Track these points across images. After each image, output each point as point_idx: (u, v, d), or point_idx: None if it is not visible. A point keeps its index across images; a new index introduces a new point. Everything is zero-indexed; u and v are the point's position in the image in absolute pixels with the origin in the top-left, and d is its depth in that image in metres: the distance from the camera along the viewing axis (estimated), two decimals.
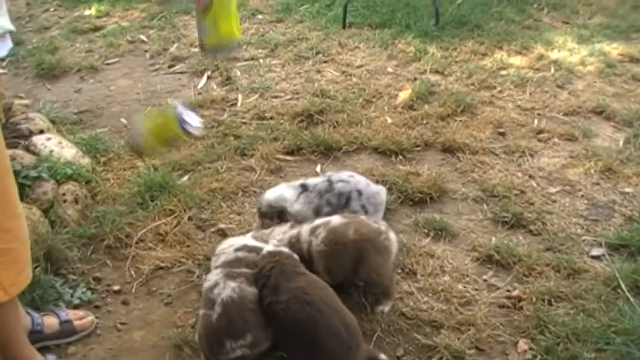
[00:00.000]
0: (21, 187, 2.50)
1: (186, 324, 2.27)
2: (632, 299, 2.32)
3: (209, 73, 4.28)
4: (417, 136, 3.41)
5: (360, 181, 2.64)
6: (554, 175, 3.15)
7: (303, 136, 3.38)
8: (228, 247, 2.31)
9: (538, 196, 2.97)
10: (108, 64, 4.52)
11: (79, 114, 3.79)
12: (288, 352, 2.09)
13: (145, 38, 4.90)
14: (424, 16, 4.98)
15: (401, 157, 3.27)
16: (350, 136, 3.39)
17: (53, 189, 2.76)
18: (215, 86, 4.12)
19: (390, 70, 4.26)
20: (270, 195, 2.61)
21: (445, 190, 2.99)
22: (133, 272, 2.55)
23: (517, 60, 4.41)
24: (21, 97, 3.83)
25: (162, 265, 2.56)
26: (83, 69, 4.38)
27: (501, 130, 3.53)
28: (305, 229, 2.35)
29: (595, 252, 2.62)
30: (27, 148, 3.02)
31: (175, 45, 4.75)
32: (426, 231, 2.74)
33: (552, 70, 4.28)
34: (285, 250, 2.24)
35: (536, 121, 3.64)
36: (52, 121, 3.45)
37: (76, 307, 2.36)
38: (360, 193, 2.59)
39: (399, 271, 2.50)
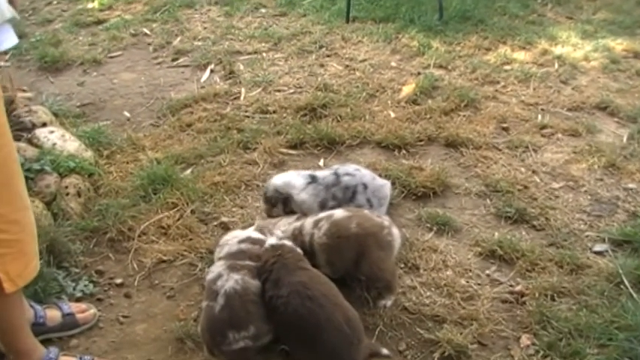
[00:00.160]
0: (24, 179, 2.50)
1: (188, 317, 2.27)
2: (634, 295, 2.32)
3: (212, 66, 4.27)
4: (420, 130, 3.40)
5: (365, 174, 2.63)
6: (558, 171, 3.14)
7: (306, 130, 3.37)
8: (232, 238, 2.30)
9: (541, 192, 2.97)
10: (111, 57, 4.51)
11: (82, 107, 3.79)
12: (290, 346, 2.09)
13: (148, 31, 4.90)
14: (428, 11, 4.98)
15: (404, 151, 3.26)
16: (353, 131, 3.38)
17: (56, 182, 2.76)
18: (218, 80, 4.11)
19: (393, 64, 4.25)
20: (278, 180, 2.58)
21: (448, 185, 2.99)
22: (135, 265, 2.55)
23: (521, 55, 4.40)
24: (24, 90, 3.83)
25: (165, 258, 2.56)
26: (86, 62, 4.37)
27: (505, 125, 3.52)
28: (308, 221, 2.35)
29: (598, 248, 2.62)
30: (30, 141, 3.02)
31: (179, 38, 4.74)
32: (428, 225, 2.73)
33: (556, 65, 4.27)
34: (288, 243, 2.23)
35: (539, 116, 3.63)
36: (55, 114, 3.45)
37: (78, 300, 2.36)
38: (365, 186, 2.58)
39: (402, 265, 2.50)
